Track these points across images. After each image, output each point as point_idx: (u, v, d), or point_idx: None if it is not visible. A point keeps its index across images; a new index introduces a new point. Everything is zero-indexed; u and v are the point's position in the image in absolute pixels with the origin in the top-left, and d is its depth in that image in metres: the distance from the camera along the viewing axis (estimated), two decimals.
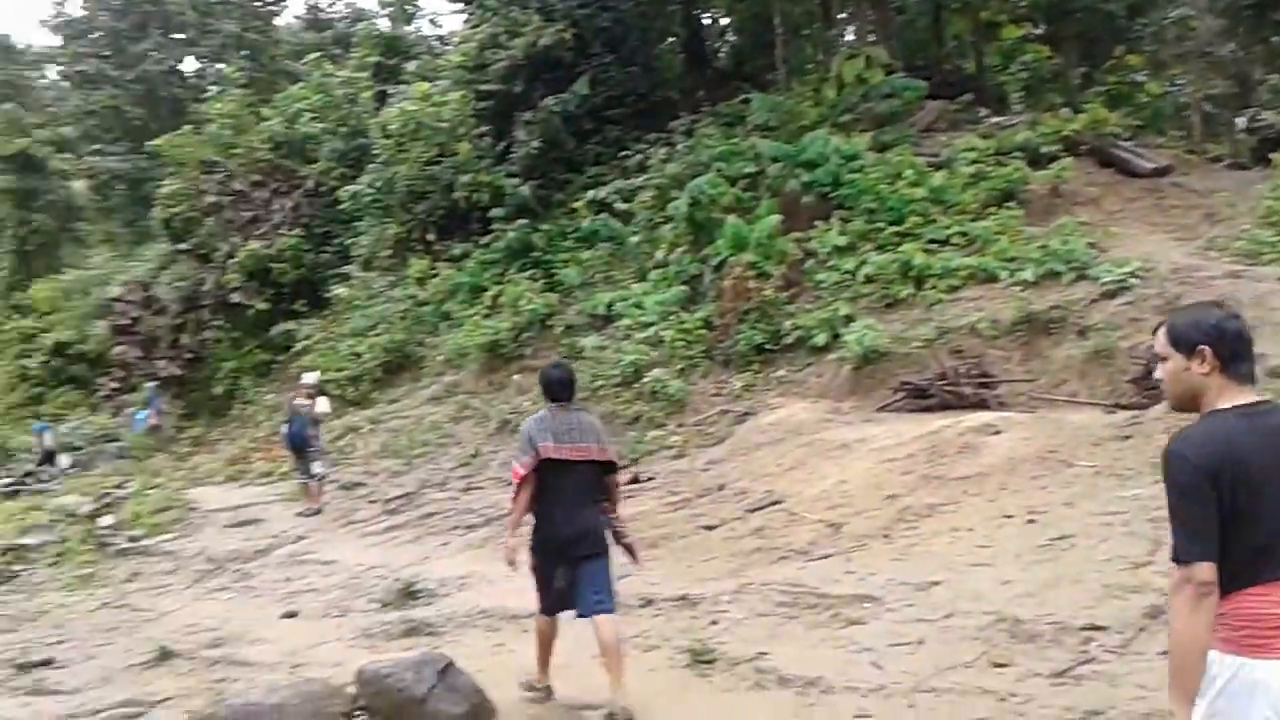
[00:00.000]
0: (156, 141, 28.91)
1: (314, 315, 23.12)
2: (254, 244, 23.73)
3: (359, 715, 5.47)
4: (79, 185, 41.95)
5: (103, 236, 42.17)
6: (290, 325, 23.01)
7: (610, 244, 18.25)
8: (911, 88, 17.76)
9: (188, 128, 28.81)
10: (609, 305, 16.30)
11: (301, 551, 11.30)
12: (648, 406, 13.66)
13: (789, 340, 13.41)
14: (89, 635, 9.34)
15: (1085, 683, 5.00)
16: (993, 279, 12.73)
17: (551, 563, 5.47)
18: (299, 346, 22.24)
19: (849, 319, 12.82)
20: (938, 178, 15.01)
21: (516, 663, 6.33)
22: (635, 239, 17.42)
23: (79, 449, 25.39)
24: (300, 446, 13.77)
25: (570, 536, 5.44)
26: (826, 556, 7.70)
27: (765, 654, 5.93)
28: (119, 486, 17.98)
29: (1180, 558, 2.45)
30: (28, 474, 23.87)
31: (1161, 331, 2.68)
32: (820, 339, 12.90)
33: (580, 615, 5.46)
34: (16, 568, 13.43)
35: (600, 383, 14.42)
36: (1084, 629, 5.49)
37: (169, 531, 13.64)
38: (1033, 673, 5.13)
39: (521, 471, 5.52)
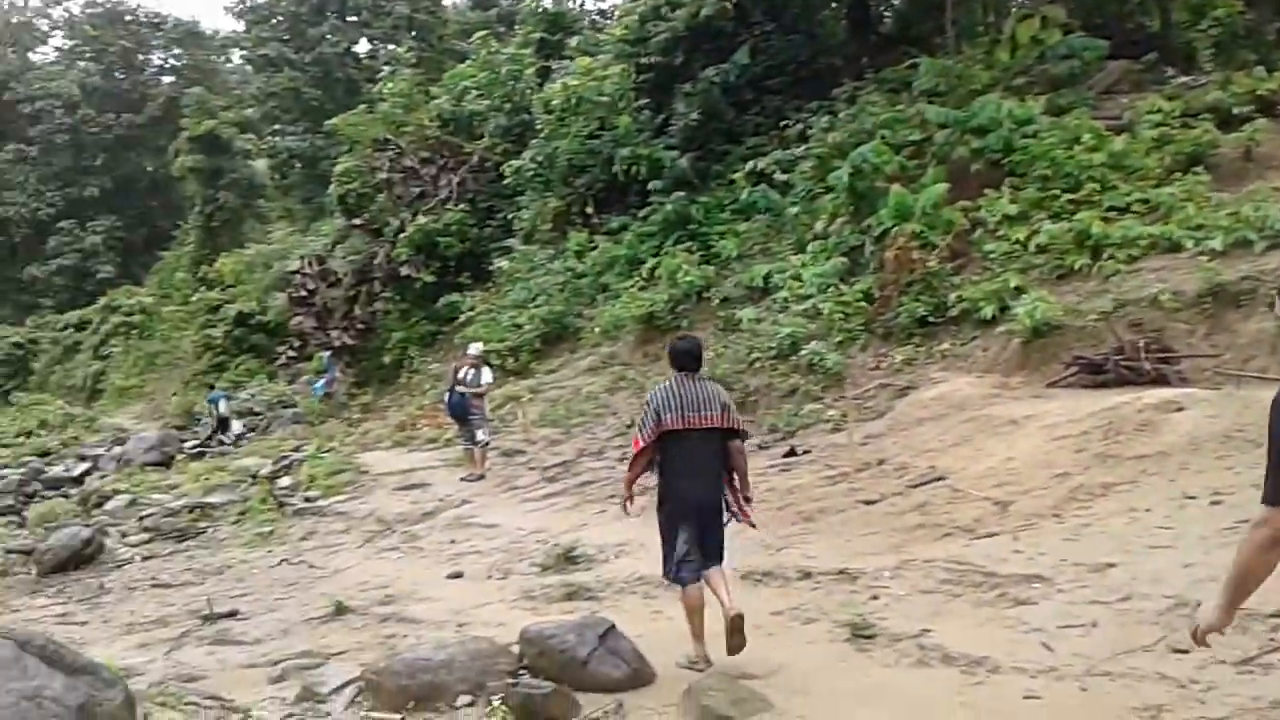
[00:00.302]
0: (333, 121, 30.18)
1: (477, 287, 23.75)
2: (422, 219, 24.48)
3: (523, 674, 5.59)
4: (260, 164, 44.23)
5: (281, 213, 44.38)
6: (455, 297, 23.69)
7: (768, 215, 18.07)
8: (1091, 48, 16.86)
9: (361, 107, 29.95)
10: (766, 277, 16.14)
11: (466, 515, 11.64)
12: (804, 379, 13.49)
13: (954, 313, 12.98)
14: (269, 589, 9.85)
15: (1273, 671, 4.70)
16: (1177, 248, 11.98)
17: (676, 526, 5.74)
18: (463, 318, 22.88)
19: (1019, 290, 12.30)
20: (1118, 142, 14.20)
21: (675, 629, 6.35)
22: (794, 210, 17.17)
23: (258, 414, 26.89)
24: (462, 415, 14.18)
25: (696, 501, 5.74)
26: (993, 535, 7.45)
27: (928, 631, 5.79)
28: (296, 450, 18.92)
29: (1266, 500, 2.64)
30: (209, 437, 25.44)
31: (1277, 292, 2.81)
32: (987, 311, 12.43)
33: (695, 581, 5.74)
34: (202, 525, 14.31)
35: (756, 355, 14.31)
36: (1272, 615, 5.14)
37: (342, 493, 14.27)
38: (1216, 659, 4.83)
39: (641, 443, 5.80)
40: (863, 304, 14.07)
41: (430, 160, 26.05)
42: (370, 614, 8.14)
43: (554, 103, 21.93)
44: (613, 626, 5.80)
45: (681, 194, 19.26)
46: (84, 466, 23.89)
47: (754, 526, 6.18)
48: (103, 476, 22.08)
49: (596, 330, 18.82)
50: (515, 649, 5.96)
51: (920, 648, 5.60)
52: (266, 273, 34.96)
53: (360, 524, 12.14)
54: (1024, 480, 8.36)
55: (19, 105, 51.82)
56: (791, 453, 11.22)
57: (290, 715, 5.54)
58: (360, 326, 25.57)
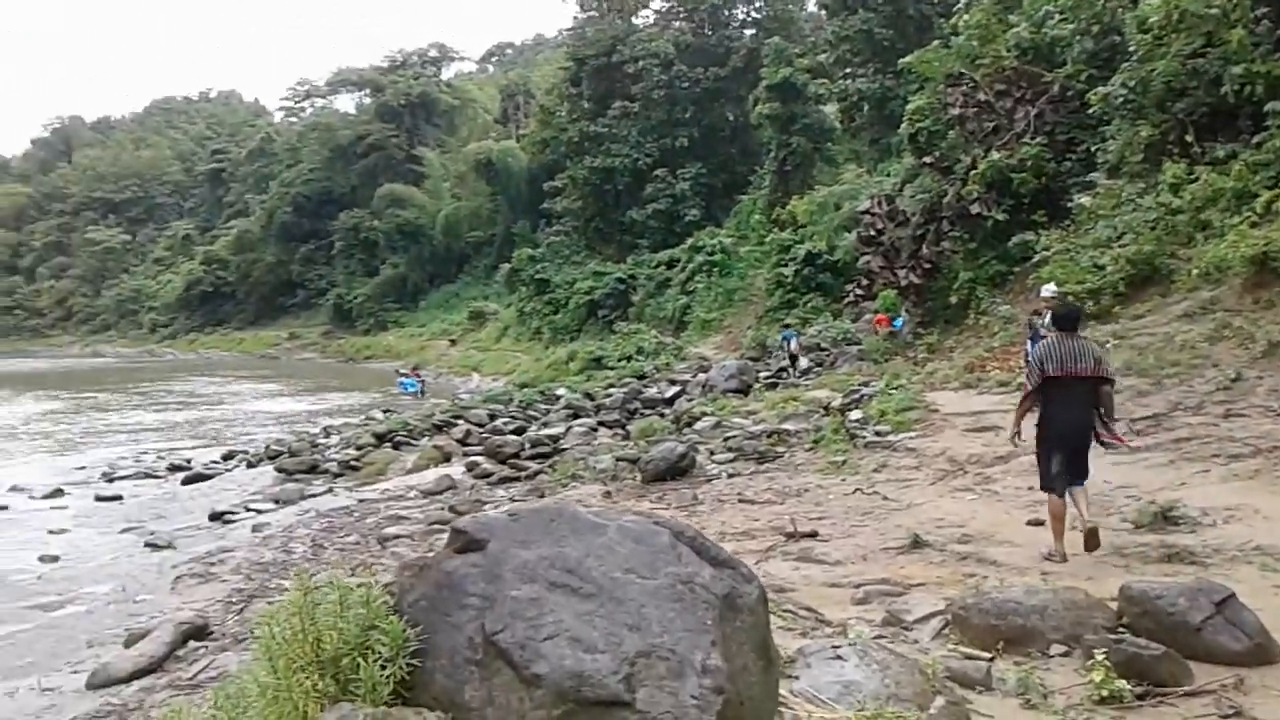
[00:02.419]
0: (906, 59, 30.00)
1: (1053, 226, 22.45)
2: (995, 154, 23.61)
3: (1122, 631, 5.26)
4: (830, 108, 45.39)
5: (848, 155, 45.26)
6: (1028, 236, 22.63)
7: None
8: None
9: (935, 43, 29.44)
10: None
11: None
12: None
13: None
14: (845, 516, 10.26)
15: None
16: None
17: (1052, 452, 7.53)
18: (1036, 258, 21.78)
19: None
20: None
21: None
22: None
23: (824, 349, 27.97)
24: None
25: (1069, 432, 7.46)
26: None
27: None
28: (864, 385, 19.40)
29: None
30: (780, 370, 26.98)
31: None
32: None
33: (1059, 492, 7.50)
34: (779, 449, 15.25)
35: None
36: None
37: (911, 430, 14.38)
38: None
39: (1029, 387, 7.68)
40: None
41: (1006, 93, 24.96)
42: (948, 550, 8.16)
43: (1151, 20, 19.83)
44: (1232, 595, 5.25)
45: None
46: (674, 390, 26.60)
47: (1130, 448, 8.48)
48: (690, 400, 24.42)
49: (1194, 273, 16.89)
50: (1113, 605, 5.64)
51: None
52: (835, 213, 35.96)
53: (931, 462, 12.16)
54: None
55: (624, 66, 57.98)
56: None
57: (879, 637, 5.71)
58: (927, 266, 25.40)
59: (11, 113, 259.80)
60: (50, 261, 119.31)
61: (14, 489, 20.07)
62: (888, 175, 34.70)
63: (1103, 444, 7.56)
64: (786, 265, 35.76)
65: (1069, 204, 22.12)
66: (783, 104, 44.06)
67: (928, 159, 26.75)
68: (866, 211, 28.51)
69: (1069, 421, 7.42)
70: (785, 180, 44.37)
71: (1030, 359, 7.62)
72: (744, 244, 44.63)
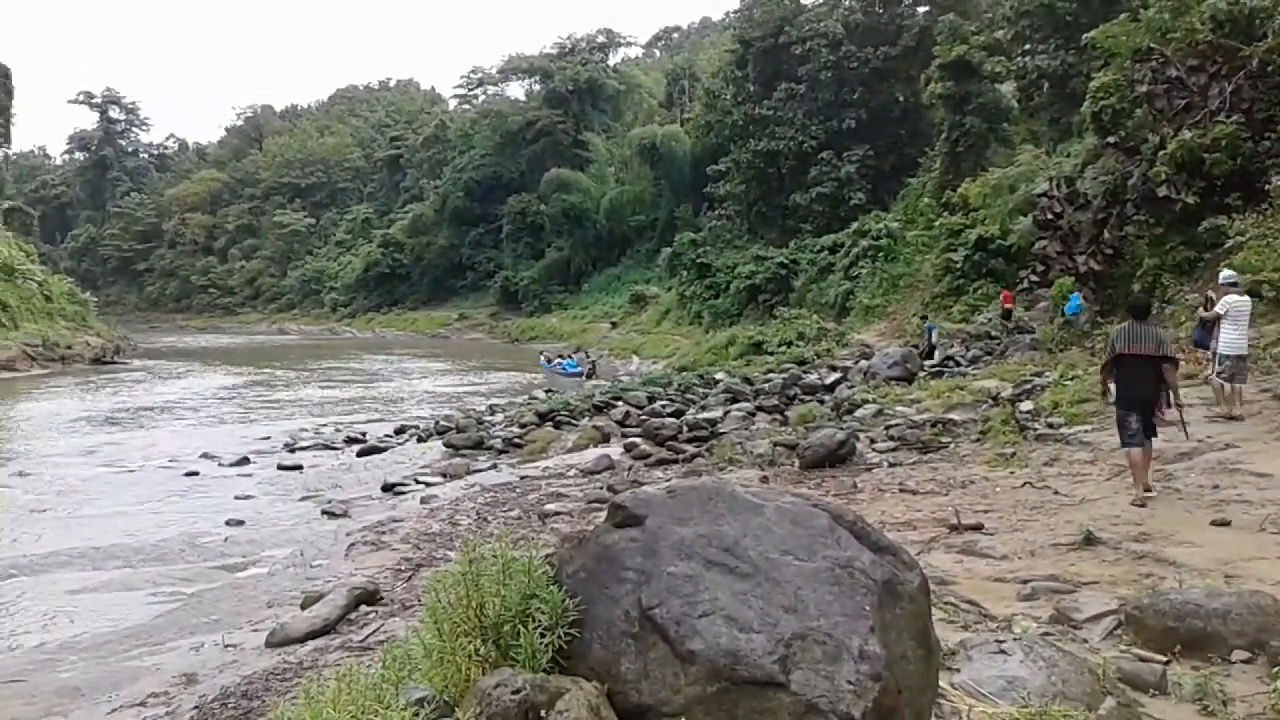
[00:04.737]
0: (1090, 34, 28.64)
1: (1249, 210, 21.06)
2: (1186, 134, 22.26)
3: None
4: (1006, 87, 43.72)
5: (1025, 136, 43.51)
6: (1220, 220, 21.28)
7: None
8: None
9: (1122, 16, 27.97)
10: None
11: (1231, 460, 10.52)
12: None
13: None
14: (1012, 509, 9.93)
15: None
16: None
17: (1127, 415, 9.32)
18: (1229, 244, 20.49)
19: None
20: None
21: None
22: None
23: (994, 338, 27.10)
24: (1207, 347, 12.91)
25: (1137, 399, 9.28)
26: None
27: None
28: (1037, 375, 18.69)
29: None
30: (946, 359, 26.30)
31: None
32: None
33: (1138, 446, 9.30)
34: (944, 439, 14.85)
35: None
36: None
37: (1086, 423, 13.77)
38: None
39: (1104, 360, 9.72)
40: None
41: (1199, 68, 23.44)
42: (1122, 549, 7.81)
43: None
44: None
45: None
46: (835, 376, 26.24)
47: (1163, 418, 9.54)
48: (851, 386, 24.05)
49: None
50: None
51: None
52: (1010, 197, 34.67)
53: (1107, 456, 11.62)
54: None
55: (791, 47, 57.26)
56: None
57: (1046, 634, 5.51)
58: (1108, 251, 24.16)
59: (210, 102, 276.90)
60: (241, 243, 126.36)
61: (204, 456, 21.44)
62: (1067, 156, 33.25)
63: (1176, 410, 9.47)
64: (956, 250, 34.75)
65: (1267, 186, 20.72)
66: (956, 83, 42.71)
67: (1112, 139, 25.41)
68: (1044, 194, 27.30)
69: (1135, 392, 9.27)
70: (957, 162, 43.06)
71: (1109, 338, 9.75)
72: (911, 228, 43.53)
